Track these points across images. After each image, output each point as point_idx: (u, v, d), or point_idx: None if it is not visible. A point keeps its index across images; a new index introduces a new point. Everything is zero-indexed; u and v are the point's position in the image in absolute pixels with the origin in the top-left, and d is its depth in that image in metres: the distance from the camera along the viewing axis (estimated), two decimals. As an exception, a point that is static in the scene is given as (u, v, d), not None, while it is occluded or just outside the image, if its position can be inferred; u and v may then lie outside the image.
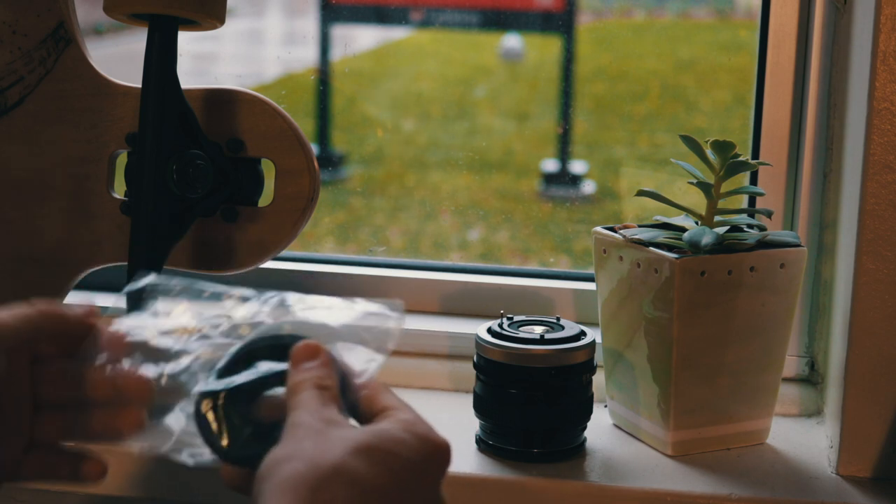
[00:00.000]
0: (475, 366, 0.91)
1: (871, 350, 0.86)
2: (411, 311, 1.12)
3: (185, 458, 0.60)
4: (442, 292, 1.12)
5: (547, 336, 0.89)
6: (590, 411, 0.91)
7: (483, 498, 0.87)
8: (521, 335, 0.89)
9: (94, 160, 0.98)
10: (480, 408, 0.91)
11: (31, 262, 1.00)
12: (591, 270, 1.00)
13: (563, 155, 3.49)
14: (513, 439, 0.90)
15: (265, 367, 0.61)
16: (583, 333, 0.91)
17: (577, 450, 0.91)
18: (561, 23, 3.56)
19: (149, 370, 0.62)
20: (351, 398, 0.60)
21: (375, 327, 0.62)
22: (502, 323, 0.92)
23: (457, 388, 1.05)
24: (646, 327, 0.90)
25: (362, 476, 0.53)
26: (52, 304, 0.63)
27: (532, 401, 0.88)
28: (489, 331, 0.91)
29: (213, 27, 0.94)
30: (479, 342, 0.90)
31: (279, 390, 0.60)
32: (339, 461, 0.53)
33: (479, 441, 0.92)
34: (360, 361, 0.61)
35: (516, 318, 0.93)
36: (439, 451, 0.57)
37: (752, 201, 1.05)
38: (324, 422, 0.56)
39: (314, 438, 0.54)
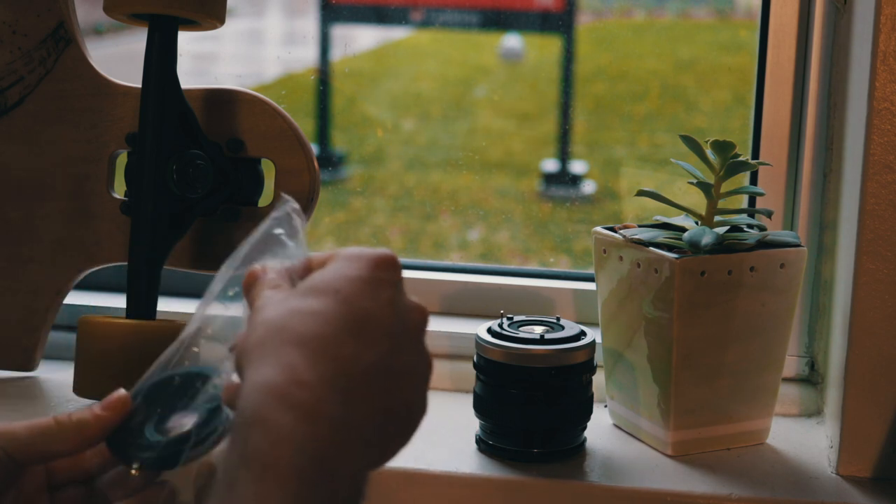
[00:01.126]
0: (475, 366, 0.91)
1: (871, 350, 0.86)
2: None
3: None
4: (442, 292, 1.12)
5: (547, 336, 0.89)
6: (590, 411, 0.91)
7: (483, 498, 0.87)
8: (521, 335, 0.89)
9: (94, 160, 0.98)
10: (480, 408, 0.91)
11: (31, 262, 1.00)
12: (591, 270, 1.00)
13: (563, 155, 3.49)
14: (513, 439, 0.90)
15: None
16: (583, 333, 0.91)
17: (577, 450, 0.91)
18: (561, 23, 3.56)
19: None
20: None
21: (283, 226, 0.65)
22: (502, 323, 0.92)
23: (457, 388, 1.05)
24: (646, 327, 0.90)
25: (318, 308, 0.55)
26: (71, 416, 0.63)
27: (532, 401, 0.88)
28: (489, 331, 0.91)
29: (213, 27, 0.94)
30: (479, 342, 0.90)
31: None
32: (293, 305, 0.56)
33: (479, 441, 0.92)
34: (291, 257, 0.63)
35: (516, 318, 0.93)
36: (383, 259, 0.58)
37: (752, 201, 1.05)
38: (277, 300, 0.58)
39: (268, 309, 0.57)
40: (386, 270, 0.58)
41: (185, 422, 0.62)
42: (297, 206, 0.65)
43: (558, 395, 0.88)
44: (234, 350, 0.57)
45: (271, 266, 0.61)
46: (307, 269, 0.61)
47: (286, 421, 0.51)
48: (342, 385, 0.53)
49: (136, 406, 0.64)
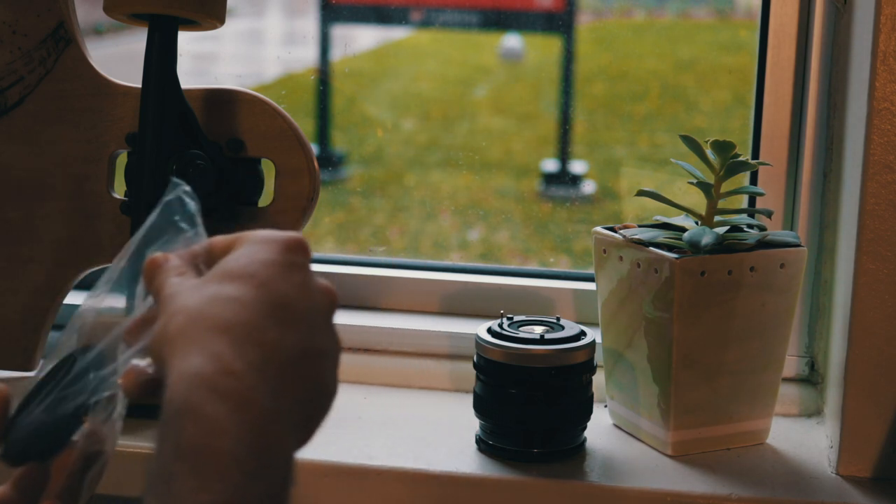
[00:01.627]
0: (475, 366, 0.91)
1: (871, 350, 0.86)
2: (412, 311, 1.12)
3: None
4: (442, 292, 1.12)
5: (547, 336, 0.89)
6: (590, 411, 0.91)
7: (483, 498, 0.87)
8: (521, 335, 0.89)
9: (94, 160, 0.98)
10: (480, 408, 0.91)
11: (31, 262, 1.00)
12: (591, 270, 1.00)
13: (563, 155, 3.49)
14: (513, 439, 0.90)
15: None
16: (583, 333, 0.91)
17: (577, 450, 0.91)
18: (561, 23, 3.56)
19: None
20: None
21: (177, 211, 0.64)
22: (502, 323, 0.92)
23: (457, 388, 1.05)
24: (646, 327, 0.90)
25: (237, 294, 0.55)
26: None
27: (532, 401, 0.88)
28: (489, 331, 0.91)
29: (213, 27, 0.94)
30: (479, 342, 0.90)
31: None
32: (211, 292, 0.55)
33: (479, 441, 0.92)
34: (189, 243, 0.62)
35: (516, 318, 0.93)
36: (294, 242, 0.58)
37: (752, 201, 1.05)
38: (189, 286, 0.57)
39: (183, 296, 0.56)
40: (297, 253, 0.58)
41: (67, 406, 0.61)
42: (188, 188, 0.64)
43: (558, 395, 0.88)
44: (151, 340, 0.56)
45: (173, 253, 0.60)
46: (210, 253, 0.60)
47: (220, 411, 0.50)
48: (270, 371, 0.53)
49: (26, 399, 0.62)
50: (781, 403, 0.98)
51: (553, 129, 3.76)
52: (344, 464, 0.89)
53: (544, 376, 0.88)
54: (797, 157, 1.02)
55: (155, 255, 0.61)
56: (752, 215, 0.96)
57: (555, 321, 0.93)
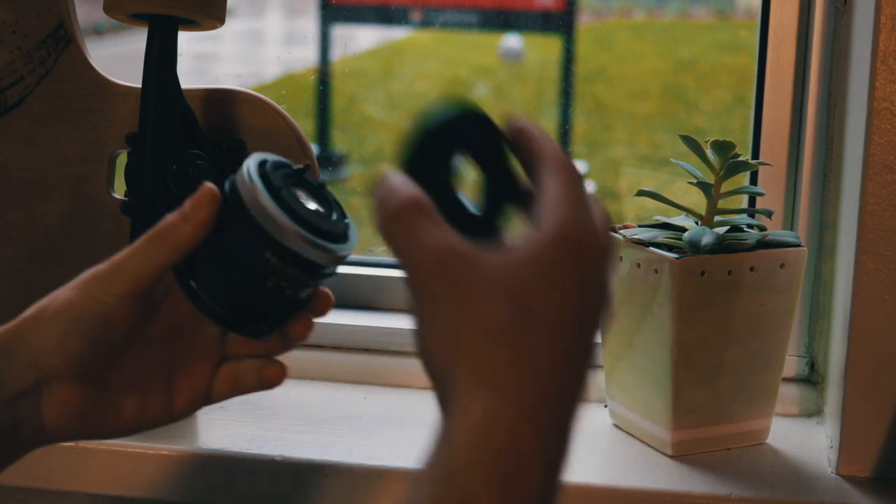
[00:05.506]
0: (475, 366, 0.91)
1: (871, 350, 0.86)
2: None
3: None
4: (442, 292, 1.11)
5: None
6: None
7: (483, 498, 0.87)
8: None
9: (94, 160, 0.98)
10: (480, 408, 0.91)
11: (31, 262, 1.00)
12: (591, 270, 0.99)
13: (563, 155, 3.48)
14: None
15: None
16: None
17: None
18: (561, 23, 3.56)
19: None
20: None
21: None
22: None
23: (457, 388, 1.05)
24: (646, 327, 0.90)
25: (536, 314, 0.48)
26: (156, 226, 0.63)
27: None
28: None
29: (213, 27, 0.94)
30: (479, 342, 0.90)
31: None
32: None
33: (479, 441, 0.92)
34: None
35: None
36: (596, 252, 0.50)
37: (752, 201, 1.05)
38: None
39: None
40: (600, 262, 0.50)
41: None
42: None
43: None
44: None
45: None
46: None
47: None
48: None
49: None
50: (781, 403, 0.98)
51: (553, 129, 3.76)
52: (344, 464, 0.89)
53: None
54: (797, 157, 1.02)
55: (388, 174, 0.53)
56: (752, 215, 0.96)
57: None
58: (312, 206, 0.61)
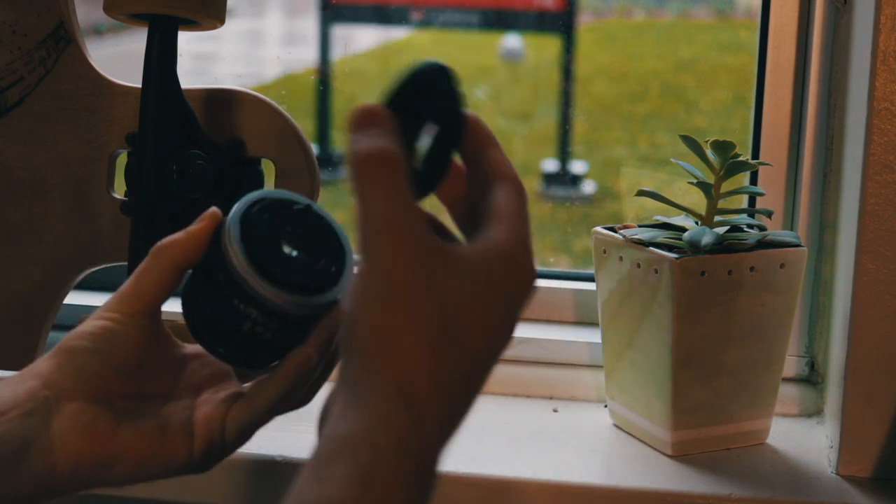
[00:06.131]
0: (475, 366, 0.91)
1: (871, 350, 0.86)
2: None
3: None
4: (442, 292, 1.11)
5: (547, 336, 0.89)
6: None
7: (483, 497, 0.87)
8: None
9: (94, 160, 0.98)
10: (480, 408, 0.91)
11: (31, 262, 1.00)
12: (591, 270, 1.00)
13: (563, 155, 3.49)
14: (513, 439, 0.90)
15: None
16: None
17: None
18: (561, 23, 3.56)
19: None
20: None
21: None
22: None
23: (457, 388, 1.05)
24: (646, 327, 0.90)
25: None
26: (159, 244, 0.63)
27: (532, 401, 0.88)
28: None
29: (213, 27, 0.94)
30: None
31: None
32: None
33: (479, 441, 0.92)
34: None
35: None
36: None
37: (752, 201, 1.05)
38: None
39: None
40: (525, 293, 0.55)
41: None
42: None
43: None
44: None
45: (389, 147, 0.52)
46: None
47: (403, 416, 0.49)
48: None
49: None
50: (781, 403, 0.98)
51: (553, 129, 3.77)
52: (344, 464, 0.88)
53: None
54: (797, 157, 1.02)
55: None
56: (752, 215, 0.96)
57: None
58: (295, 253, 0.61)
